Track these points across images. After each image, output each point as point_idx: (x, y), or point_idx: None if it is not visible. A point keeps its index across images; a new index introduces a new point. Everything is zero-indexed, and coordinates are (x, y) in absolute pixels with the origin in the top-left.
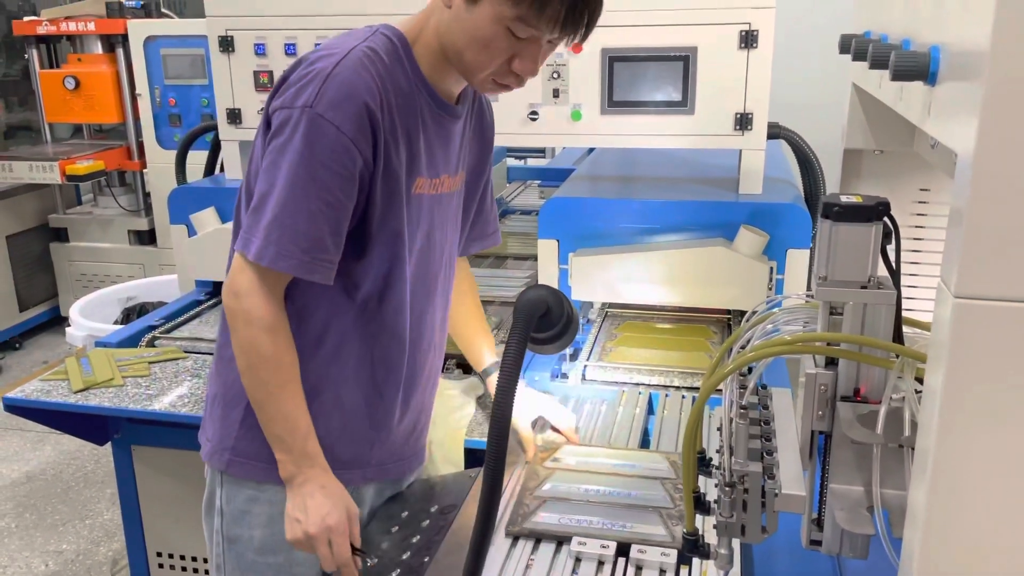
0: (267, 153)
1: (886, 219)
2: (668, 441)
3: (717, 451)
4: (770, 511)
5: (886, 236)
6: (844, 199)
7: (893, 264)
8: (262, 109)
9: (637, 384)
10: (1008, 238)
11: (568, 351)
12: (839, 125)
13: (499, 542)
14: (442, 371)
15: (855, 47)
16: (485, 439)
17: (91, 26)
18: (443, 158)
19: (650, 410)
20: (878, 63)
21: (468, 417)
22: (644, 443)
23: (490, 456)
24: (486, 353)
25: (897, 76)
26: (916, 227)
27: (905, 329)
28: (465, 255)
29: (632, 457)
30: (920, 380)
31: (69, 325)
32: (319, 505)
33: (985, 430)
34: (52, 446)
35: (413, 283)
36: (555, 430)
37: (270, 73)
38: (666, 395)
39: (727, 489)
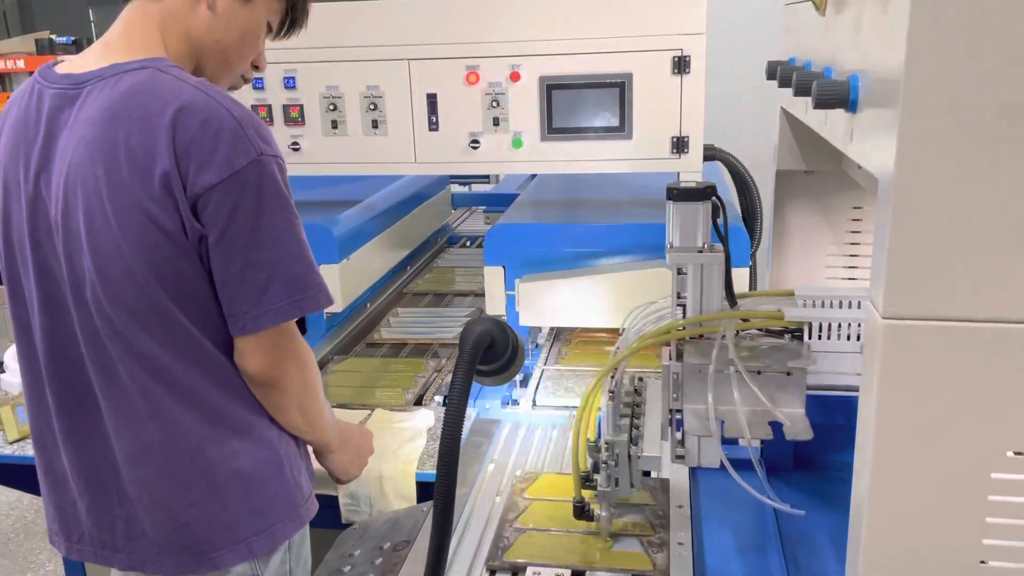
0: (242, 222)
1: (714, 199)
2: None
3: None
4: (635, 470)
5: (715, 212)
6: (682, 185)
7: (721, 232)
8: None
9: None
10: (929, 258)
11: (518, 377)
12: (771, 145)
13: None
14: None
15: (780, 74)
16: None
17: (20, 63)
18: None
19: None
20: (802, 91)
21: (419, 450)
22: (597, 467)
23: (439, 492)
24: None
25: (819, 104)
26: (851, 244)
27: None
28: None
29: None
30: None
31: (3, 371)
32: (364, 433)
33: (919, 446)
34: None
35: None
36: None
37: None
38: None
39: (604, 466)
